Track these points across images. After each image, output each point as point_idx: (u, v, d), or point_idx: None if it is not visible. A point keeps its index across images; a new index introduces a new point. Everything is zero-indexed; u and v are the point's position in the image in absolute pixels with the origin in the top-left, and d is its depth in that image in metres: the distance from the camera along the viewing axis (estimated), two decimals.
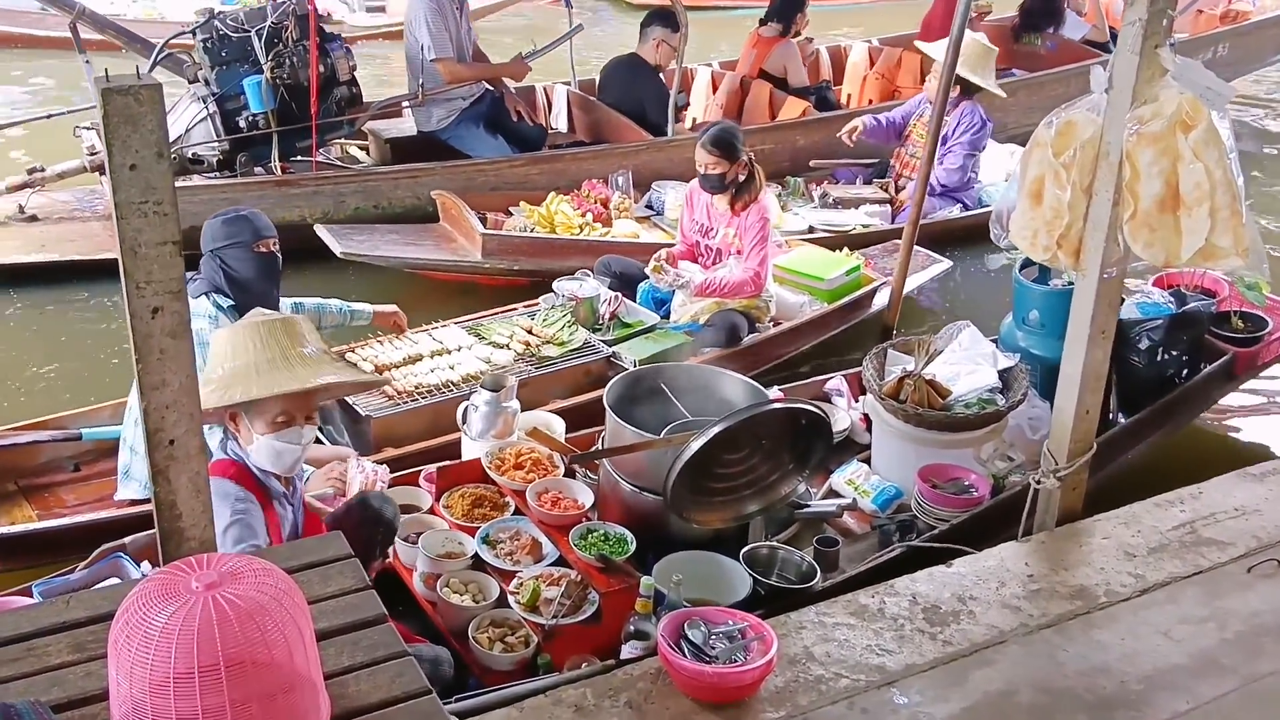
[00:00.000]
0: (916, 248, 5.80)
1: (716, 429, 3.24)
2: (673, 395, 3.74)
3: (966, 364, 4.14)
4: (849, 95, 8.88)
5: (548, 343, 4.99)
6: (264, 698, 1.60)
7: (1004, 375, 4.09)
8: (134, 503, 3.95)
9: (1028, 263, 4.40)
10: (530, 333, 5.07)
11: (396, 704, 1.78)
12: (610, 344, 5.05)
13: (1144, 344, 4.22)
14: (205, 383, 3.02)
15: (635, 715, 2.71)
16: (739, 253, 5.16)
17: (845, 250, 5.96)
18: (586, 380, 4.86)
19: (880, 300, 5.82)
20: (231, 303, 3.91)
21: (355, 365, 4.53)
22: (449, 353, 4.85)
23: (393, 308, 4.77)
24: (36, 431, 4.29)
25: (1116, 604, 3.15)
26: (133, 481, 3.96)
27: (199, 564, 1.68)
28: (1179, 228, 3.01)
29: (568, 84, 8.03)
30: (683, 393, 3.77)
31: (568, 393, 4.68)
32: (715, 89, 8.46)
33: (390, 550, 3.47)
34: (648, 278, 5.38)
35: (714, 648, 2.80)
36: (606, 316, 5.26)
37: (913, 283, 5.96)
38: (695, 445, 3.24)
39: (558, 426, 4.08)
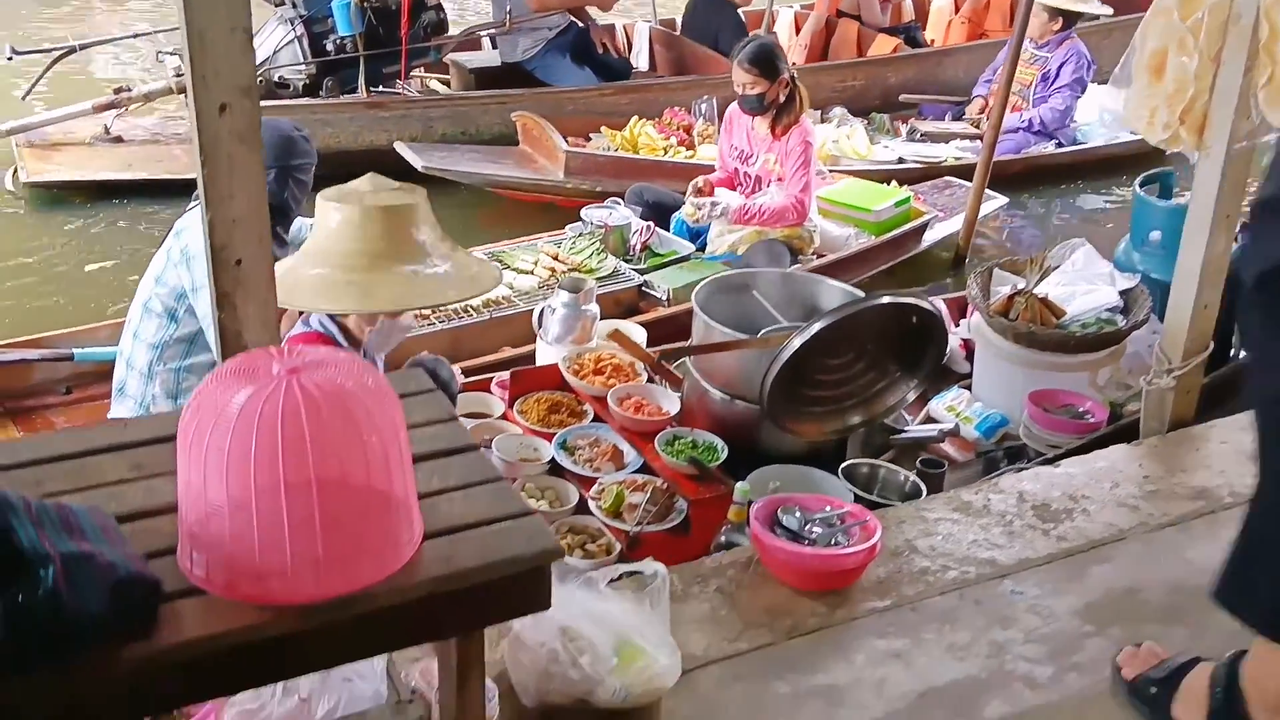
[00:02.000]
0: (969, 184, 5.62)
1: (820, 324, 3.00)
2: (766, 302, 3.50)
3: (1082, 284, 3.85)
4: (933, 40, 8.73)
5: (574, 270, 4.77)
6: (352, 490, 1.40)
7: (1124, 296, 3.81)
8: None
9: (1148, 180, 4.13)
10: (556, 259, 4.86)
11: (498, 522, 1.57)
12: (642, 273, 4.83)
13: None
14: (323, 259, 2.55)
15: (726, 602, 2.50)
16: (780, 180, 4.90)
17: (894, 184, 5.73)
18: (617, 310, 4.65)
19: (930, 237, 5.61)
20: None
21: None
22: None
23: None
24: (26, 350, 4.11)
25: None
26: (127, 399, 3.72)
27: (278, 353, 1.47)
28: None
29: (649, 21, 7.95)
30: (776, 300, 3.52)
31: None
32: (799, 30, 8.29)
33: None
34: (682, 207, 5.16)
35: (812, 533, 2.58)
36: (638, 248, 5.03)
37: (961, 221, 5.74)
38: (797, 342, 3.00)
39: (639, 335, 3.87)
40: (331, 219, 2.52)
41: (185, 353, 3.54)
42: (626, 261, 4.96)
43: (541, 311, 3.84)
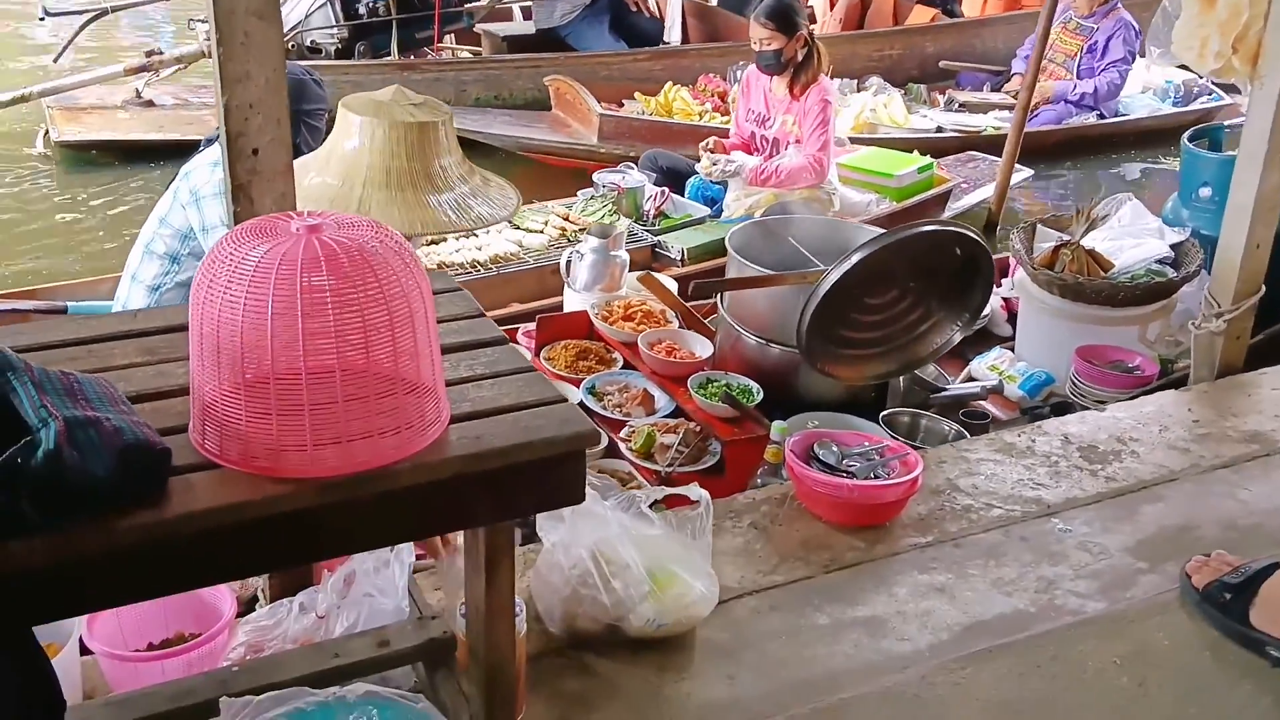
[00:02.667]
0: (993, 157, 5.51)
1: (860, 254, 2.84)
2: (801, 247, 3.37)
3: (1129, 239, 3.69)
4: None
5: (584, 230, 4.68)
6: (374, 354, 1.30)
7: (1174, 249, 3.65)
8: None
9: (1197, 134, 3.98)
10: (567, 219, 4.77)
11: (529, 408, 1.47)
12: (656, 234, 4.73)
13: None
14: (341, 173, 2.49)
15: (761, 536, 2.39)
16: (798, 142, 4.77)
17: (915, 153, 5.61)
18: None
19: (955, 207, 5.49)
20: None
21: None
22: (477, 234, 4.59)
23: None
24: (18, 301, 4.01)
25: None
26: None
27: (296, 214, 1.38)
28: None
29: None
30: (812, 246, 3.39)
31: None
32: (833, 5, 8.20)
33: None
34: (697, 173, 5.05)
35: (850, 467, 2.47)
36: (651, 213, 4.93)
37: (989, 190, 5.63)
38: (836, 274, 2.85)
39: (670, 286, 3.76)
40: (354, 129, 2.45)
41: (185, 298, 3.44)
42: (640, 224, 4.87)
43: (569, 259, 3.73)
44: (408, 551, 1.90)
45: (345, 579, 1.88)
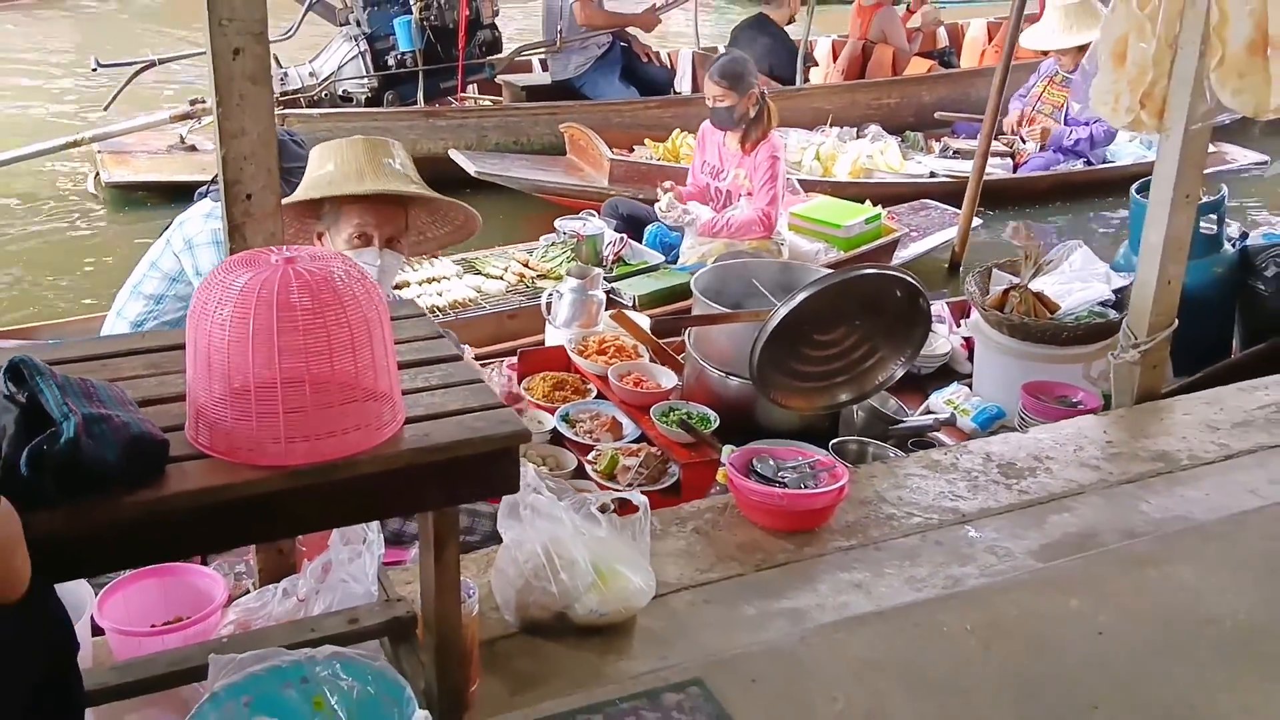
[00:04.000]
0: (944, 206, 5.77)
1: (805, 293, 3.11)
2: (765, 290, 3.63)
3: (1077, 283, 3.97)
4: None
5: (543, 277, 4.96)
6: (339, 362, 1.58)
7: (1118, 294, 3.92)
8: None
9: (1144, 186, 4.25)
10: (526, 266, 5.05)
11: (473, 411, 1.74)
12: (611, 280, 4.98)
13: (1270, 271, 4.01)
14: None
15: (702, 540, 2.66)
16: (749, 194, 5.07)
17: (868, 203, 5.88)
18: None
19: (903, 255, 5.74)
20: None
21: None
22: (439, 280, 4.90)
23: None
24: (6, 340, 4.22)
25: (1200, 467, 3.06)
26: None
27: (278, 249, 1.66)
28: (1269, 73, 2.93)
29: (692, 48, 8.33)
30: (775, 289, 3.63)
31: None
32: (836, 57, 8.58)
33: None
34: (655, 221, 5.33)
35: (784, 478, 2.74)
36: (610, 259, 5.20)
37: (938, 239, 5.88)
38: (784, 310, 3.11)
39: (643, 324, 4.04)
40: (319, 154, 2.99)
41: None
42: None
43: (550, 298, 4.03)
44: (378, 544, 2.18)
45: (323, 567, 2.16)
